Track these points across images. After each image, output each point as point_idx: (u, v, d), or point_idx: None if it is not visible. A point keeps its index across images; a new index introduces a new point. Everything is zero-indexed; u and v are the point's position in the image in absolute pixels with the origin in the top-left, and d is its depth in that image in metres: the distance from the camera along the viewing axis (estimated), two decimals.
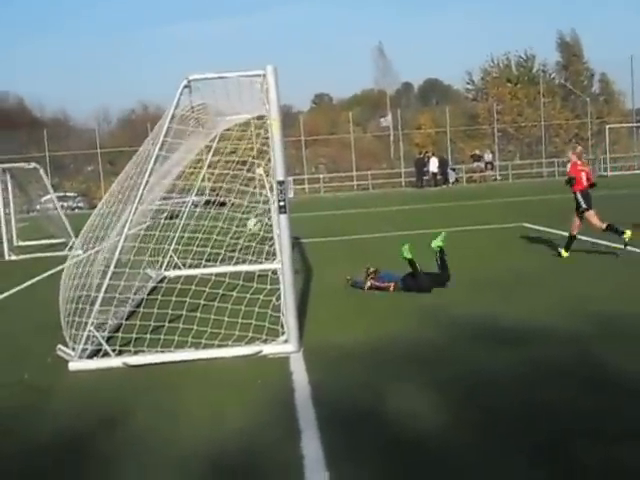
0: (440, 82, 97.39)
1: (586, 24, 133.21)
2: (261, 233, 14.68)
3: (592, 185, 16.35)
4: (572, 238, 16.28)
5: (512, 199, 36.00)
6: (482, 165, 62.22)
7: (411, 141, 68.58)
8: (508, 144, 68.41)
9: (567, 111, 69.29)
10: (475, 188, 52.77)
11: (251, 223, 16.00)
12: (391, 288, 13.31)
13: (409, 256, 13.24)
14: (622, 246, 15.70)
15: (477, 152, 62.87)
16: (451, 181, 59.04)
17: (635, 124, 67.94)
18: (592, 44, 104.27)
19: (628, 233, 15.56)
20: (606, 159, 60.20)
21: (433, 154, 59.84)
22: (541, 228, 21.97)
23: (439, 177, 58.39)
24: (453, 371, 8.40)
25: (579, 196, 16.16)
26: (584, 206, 16.05)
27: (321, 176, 64.09)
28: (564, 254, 16.15)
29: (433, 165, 58.43)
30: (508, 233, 21.21)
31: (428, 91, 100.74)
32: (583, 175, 16.21)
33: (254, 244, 14.02)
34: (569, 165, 16.60)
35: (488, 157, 62.52)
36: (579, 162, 16.50)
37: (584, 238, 17.10)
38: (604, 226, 16.08)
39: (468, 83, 75.05)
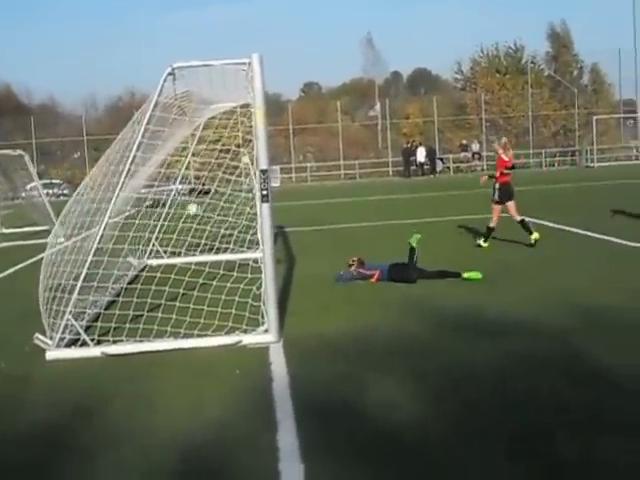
0: (429, 72, 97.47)
1: (577, 16, 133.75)
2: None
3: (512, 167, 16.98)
4: (523, 221, 16.67)
5: None
6: (469, 155, 62.24)
7: (399, 130, 68.65)
8: (496, 134, 68.30)
9: (555, 102, 69.35)
10: (462, 178, 52.78)
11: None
12: (374, 278, 13.25)
13: (414, 244, 13.24)
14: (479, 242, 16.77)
15: (464, 142, 62.91)
16: (438, 170, 59.02)
17: (622, 115, 68.14)
18: (582, 36, 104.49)
19: (485, 245, 16.53)
20: (593, 150, 60.23)
21: (420, 144, 59.88)
22: (526, 219, 21.95)
23: (426, 167, 58.41)
24: (435, 363, 8.37)
25: (498, 187, 16.60)
26: (496, 198, 16.56)
27: (308, 165, 64.04)
28: (533, 238, 16.35)
29: (420, 155, 58.47)
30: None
31: (417, 81, 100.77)
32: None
33: (236, 232, 13.94)
34: (504, 156, 16.88)
35: (475, 147, 62.57)
36: (507, 153, 16.94)
37: (576, 230, 17.10)
38: (492, 225, 16.68)
39: (457, 73, 75.13)
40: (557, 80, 69.93)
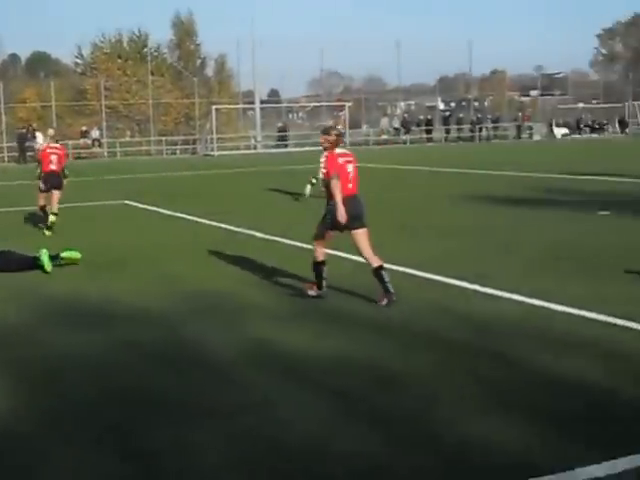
0: (48, 55, 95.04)
1: (203, 7, 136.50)
2: None
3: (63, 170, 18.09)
4: (45, 213, 17.75)
5: (117, 177, 35.72)
6: (89, 142, 61.45)
7: (15, 115, 66.10)
8: (117, 121, 67.86)
9: (177, 91, 69.98)
10: (83, 165, 51.91)
11: None
12: None
13: (43, 258, 12.47)
14: None
15: (84, 128, 62.01)
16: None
17: (241, 106, 70.48)
18: (209, 28, 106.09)
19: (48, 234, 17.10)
20: (213, 139, 61.54)
21: (37, 129, 58.28)
22: (143, 206, 22.02)
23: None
24: (33, 354, 8.17)
25: (43, 177, 17.70)
26: (42, 187, 17.67)
27: None
28: (47, 233, 17.22)
29: (39, 140, 56.89)
30: (108, 211, 21.08)
31: (36, 64, 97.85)
32: (53, 158, 17.75)
33: None
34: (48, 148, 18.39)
35: (95, 134, 61.87)
36: (50, 145, 18.56)
37: (190, 217, 17.25)
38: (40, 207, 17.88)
39: (77, 57, 73.52)
40: (180, 69, 70.64)
